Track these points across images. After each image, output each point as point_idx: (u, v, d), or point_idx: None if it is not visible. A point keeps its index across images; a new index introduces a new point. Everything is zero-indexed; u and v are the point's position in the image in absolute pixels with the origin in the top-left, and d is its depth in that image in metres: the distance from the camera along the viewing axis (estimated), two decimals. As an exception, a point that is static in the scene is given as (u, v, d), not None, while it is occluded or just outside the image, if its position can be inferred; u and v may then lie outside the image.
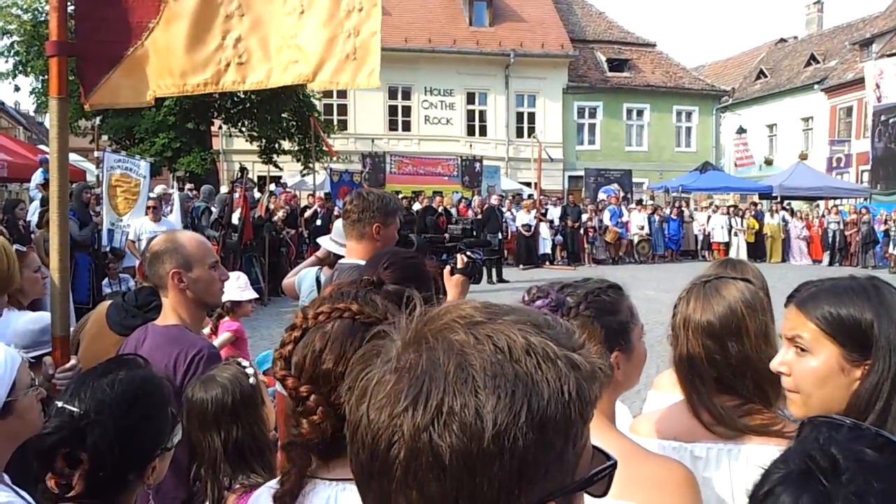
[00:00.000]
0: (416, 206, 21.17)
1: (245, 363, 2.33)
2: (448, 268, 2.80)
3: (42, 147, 20.58)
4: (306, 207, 19.56)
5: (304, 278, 4.80)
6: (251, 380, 2.24)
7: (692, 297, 1.93)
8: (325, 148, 22.04)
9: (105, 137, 23.91)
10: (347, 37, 2.89)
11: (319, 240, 5.86)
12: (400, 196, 20.21)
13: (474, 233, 17.90)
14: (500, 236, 19.92)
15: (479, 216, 20.45)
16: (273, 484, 1.42)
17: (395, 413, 0.70)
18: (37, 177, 13.92)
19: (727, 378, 1.85)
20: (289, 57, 2.92)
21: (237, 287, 5.38)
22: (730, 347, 1.84)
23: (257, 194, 16.57)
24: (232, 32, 2.89)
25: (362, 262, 3.20)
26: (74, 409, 1.60)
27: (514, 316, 0.76)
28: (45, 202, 11.38)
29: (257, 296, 6.70)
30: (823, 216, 25.34)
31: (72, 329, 2.95)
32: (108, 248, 11.32)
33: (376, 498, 0.74)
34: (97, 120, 18.67)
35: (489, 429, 0.68)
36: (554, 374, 0.71)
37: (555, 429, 0.70)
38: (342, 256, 4.54)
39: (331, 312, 1.41)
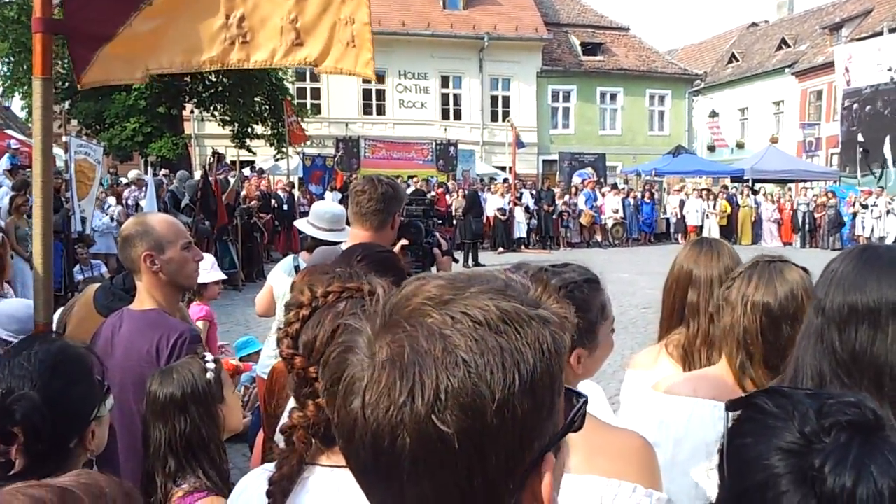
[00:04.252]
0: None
1: (209, 357, 2.32)
2: (437, 250, 2.84)
3: (9, 132, 20.18)
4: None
5: (280, 267, 4.76)
6: (209, 375, 2.23)
7: (755, 274, 1.98)
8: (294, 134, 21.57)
9: (74, 122, 23.54)
10: (345, 24, 2.93)
11: (297, 223, 5.84)
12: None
13: (431, 214, 18.06)
14: (482, 220, 20.08)
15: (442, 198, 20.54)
16: (269, 467, 1.36)
17: (395, 407, 0.69)
18: (3, 163, 13.67)
19: (771, 356, 1.92)
20: (291, 39, 2.94)
21: (203, 269, 5.31)
22: (783, 329, 1.91)
23: (231, 179, 16.41)
24: (235, 11, 2.91)
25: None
26: None
27: (478, 286, 0.75)
28: (14, 188, 11.19)
29: (225, 277, 6.54)
30: (793, 198, 25.72)
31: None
32: (76, 234, 11.16)
33: (385, 496, 0.74)
34: (66, 104, 18.35)
35: (490, 405, 0.69)
36: (532, 335, 0.72)
37: (543, 388, 0.72)
38: (319, 241, 4.53)
39: (342, 292, 1.36)
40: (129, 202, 15.51)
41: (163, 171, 18.93)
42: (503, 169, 29.75)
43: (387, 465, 0.71)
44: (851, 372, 1.34)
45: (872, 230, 22.51)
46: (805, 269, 2.03)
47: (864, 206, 23.17)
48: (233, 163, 22.11)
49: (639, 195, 25.86)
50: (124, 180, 17.23)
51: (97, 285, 3.28)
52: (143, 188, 15.57)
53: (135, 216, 2.79)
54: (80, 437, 1.65)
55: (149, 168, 19.62)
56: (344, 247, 3.33)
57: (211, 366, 2.27)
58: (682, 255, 2.46)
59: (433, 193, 20.92)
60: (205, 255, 5.94)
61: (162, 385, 2.21)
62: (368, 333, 0.75)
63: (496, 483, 0.72)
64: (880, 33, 30.54)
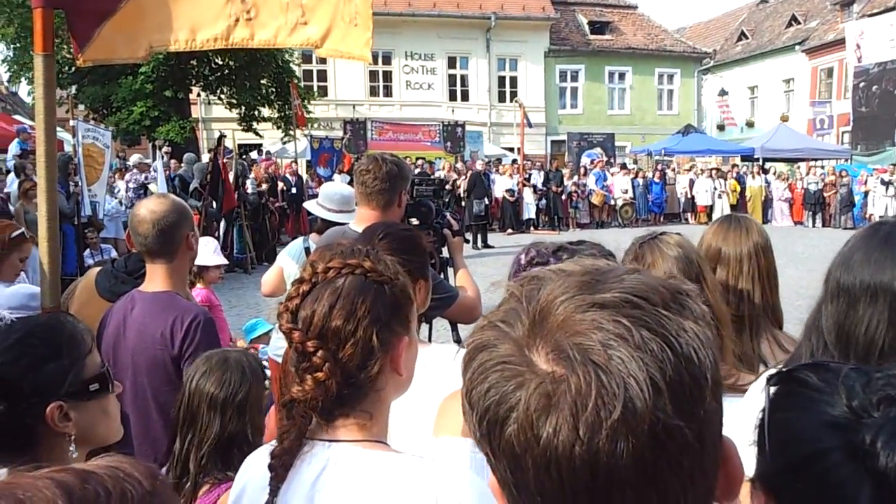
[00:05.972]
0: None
1: (265, 359, 2.29)
2: (447, 231, 2.82)
3: (18, 118, 20.20)
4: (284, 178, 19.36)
5: (290, 250, 4.73)
6: (267, 382, 2.22)
7: (647, 254, 1.95)
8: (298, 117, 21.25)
9: (81, 107, 23.50)
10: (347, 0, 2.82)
11: (306, 204, 5.82)
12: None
13: (441, 194, 18.00)
14: (486, 202, 19.96)
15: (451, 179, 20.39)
16: (272, 443, 1.38)
17: (610, 413, 0.61)
18: (13, 147, 13.69)
19: None
20: (296, 17, 2.84)
21: (206, 252, 5.17)
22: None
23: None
24: None
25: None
26: None
27: (615, 270, 0.70)
28: (18, 172, 11.20)
29: (226, 262, 6.49)
30: (803, 177, 25.55)
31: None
32: (86, 219, 11.15)
33: None
34: (73, 89, 18.26)
35: (706, 385, 0.64)
36: (696, 307, 0.69)
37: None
38: (330, 222, 4.50)
39: (341, 268, 1.36)
40: (131, 185, 15.56)
41: (164, 149, 18.95)
42: (511, 150, 29.61)
43: (605, 481, 0.62)
44: (883, 352, 1.31)
45: (886, 209, 22.27)
46: (678, 233, 2.06)
47: (884, 184, 22.68)
48: (240, 146, 22.05)
49: (648, 175, 25.72)
50: (131, 163, 17.28)
51: (97, 269, 3.26)
52: (147, 172, 15.65)
53: (165, 197, 2.73)
54: (38, 415, 1.54)
55: (157, 151, 19.61)
56: (353, 226, 3.31)
57: (269, 372, 2.21)
58: (710, 232, 2.39)
59: (454, 176, 20.74)
60: (208, 238, 5.94)
61: (224, 372, 2.14)
62: (520, 348, 0.66)
63: (712, 473, 0.67)
64: (893, 8, 30.12)
